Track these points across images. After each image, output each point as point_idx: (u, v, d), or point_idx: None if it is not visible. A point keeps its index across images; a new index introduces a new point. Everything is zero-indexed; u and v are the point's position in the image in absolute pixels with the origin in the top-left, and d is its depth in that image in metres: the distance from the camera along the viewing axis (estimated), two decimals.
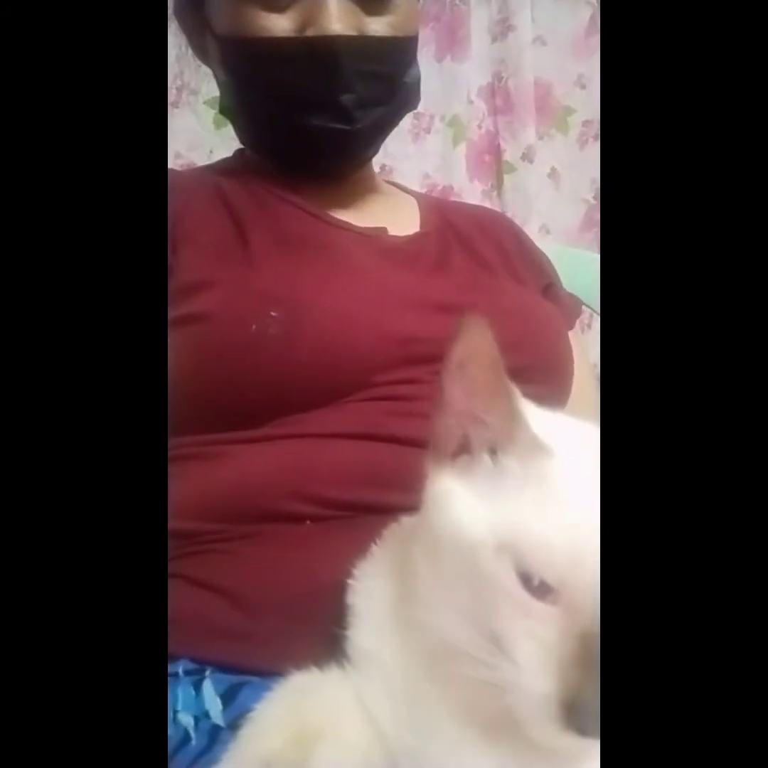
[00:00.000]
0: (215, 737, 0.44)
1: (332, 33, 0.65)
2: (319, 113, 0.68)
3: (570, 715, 0.31)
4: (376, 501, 0.55)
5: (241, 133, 0.78)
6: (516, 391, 0.36)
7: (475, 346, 0.35)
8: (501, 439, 0.35)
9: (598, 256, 1.39)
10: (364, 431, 0.58)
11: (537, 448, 0.34)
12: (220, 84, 0.75)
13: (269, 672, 0.44)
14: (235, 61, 0.71)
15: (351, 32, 0.66)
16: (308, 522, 0.54)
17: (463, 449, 0.37)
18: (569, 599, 0.32)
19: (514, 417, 0.35)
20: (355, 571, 0.44)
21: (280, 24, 0.66)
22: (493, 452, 0.35)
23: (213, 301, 0.60)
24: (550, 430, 0.36)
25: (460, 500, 0.35)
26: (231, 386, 0.59)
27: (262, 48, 0.67)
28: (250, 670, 0.48)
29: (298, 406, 0.59)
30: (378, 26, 0.68)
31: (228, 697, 0.47)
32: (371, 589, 0.42)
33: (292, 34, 0.66)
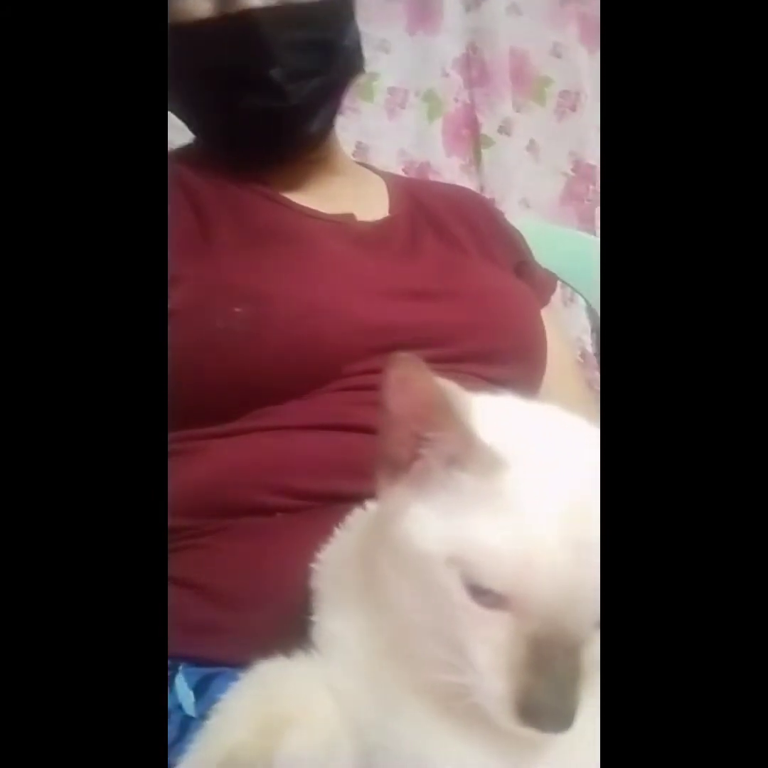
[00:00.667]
0: (186, 727, 0.45)
1: (249, 6, 0.63)
2: (249, 92, 0.66)
3: (525, 716, 0.32)
4: (346, 490, 0.55)
5: (186, 122, 0.76)
6: (466, 411, 0.35)
7: (408, 380, 0.36)
8: (455, 455, 0.35)
9: (579, 232, 1.39)
10: (334, 422, 0.58)
11: (492, 462, 0.34)
12: None
13: (243, 662, 0.45)
14: None
15: (271, 3, 0.64)
16: (279, 514, 0.55)
17: (416, 462, 0.37)
18: (519, 606, 0.32)
19: (465, 436, 0.34)
20: (320, 556, 0.45)
21: (200, 6, 0.65)
22: (448, 465, 0.35)
23: (178, 298, 0.60)
24: (513, 429, 0.37)
25: (412, 514, 0.35)
26: (200, 383, 0.59)
27: (183, 33, 0.65)
28: (223, 662, 0.48)
29: (269, 400, 0.59)
30: None
31: (200, 688, 0.48)
32: (336, 574, 0.43)
33: (211, 14, 0.65)
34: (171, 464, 0.58)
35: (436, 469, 0.35)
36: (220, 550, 0.54)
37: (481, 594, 0.33)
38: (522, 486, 0.34)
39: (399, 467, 0.37)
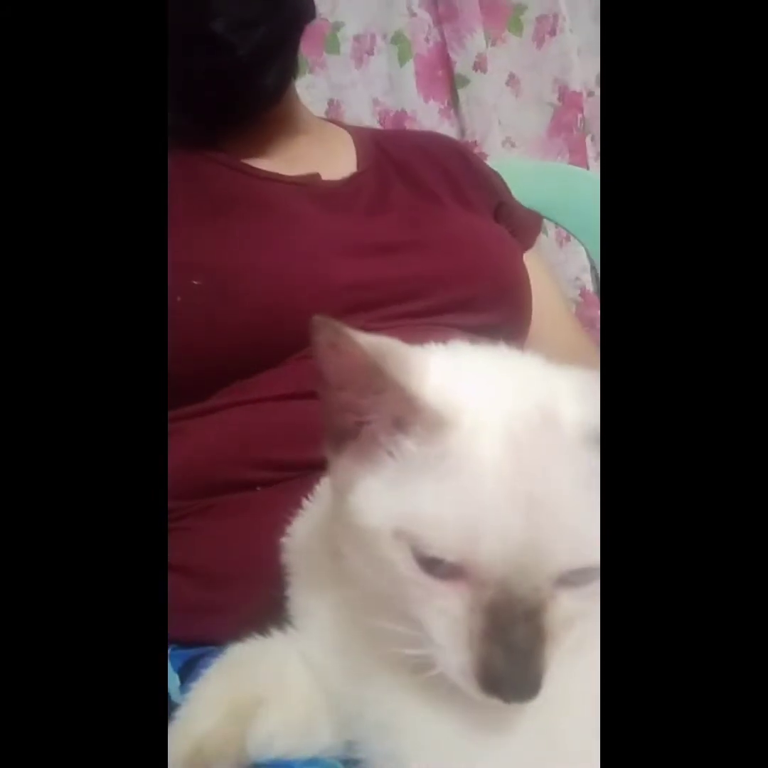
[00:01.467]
0: (172, 713, 0.45)
1: None
2: (194, 50, 0.63)
3: (487, 686, 0.31)
4: (323, 457, 0.54)
5: None
6: (404, 370, 0.33)
7: (335, 345, 0.33)
8: (398, 418, 0.33)
9: (568, 166, 1.33)
10: (306, 390, 0.57)
11: (436, 422, 0.32)
12: None
13: (230, 641, 0.45)
14: None
15: None
16: (258, 488, 0.54)
17: (361, 430, 0.34)
18: (472, 574, 0.31)
19: (404, 397, 0.32)
20: (289, 529, 0.44)
21: None
22: (393, 431, 0.33)
23: None
24: (464, 383, 0.34)
25: (359, 487, 0.34)
26: (171, 361, 0.58)
27: None
28: (211, 641, 0.48)
29: (242, 372, 0.58)
30: None
31: (185, 671, 0.48)
32: (304, 547, 0.42)
33: None
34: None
35: (382, 436, 0.34)
36: (202, 530, 0.54)
37: (433, 565, 0.31)
38: (467, 446, 0.32)
39: (344, 437, 0.36)
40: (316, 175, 0.70)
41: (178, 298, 0.57)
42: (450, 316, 0.63)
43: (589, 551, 0.30)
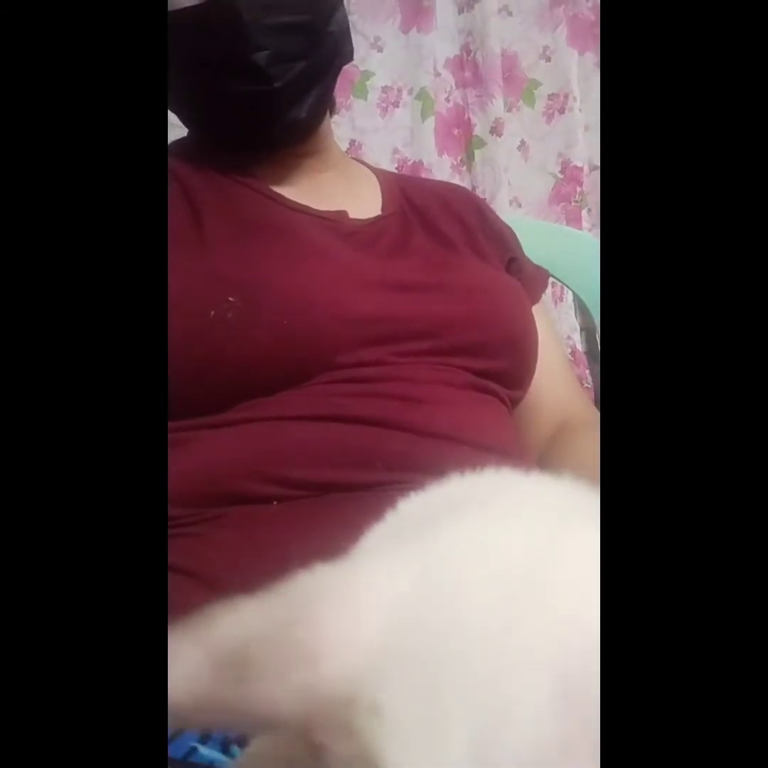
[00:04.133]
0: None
1: None
2: (234, 78, 0.66)
3: None
4: (340, 480, 0.56)
5: (177, 113, 0.76)
6: None
7: None
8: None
9: (566, 228, 1.41)
10: (327, 413, 0.59)
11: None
12: None
13: None
14: None
15: None
16: (275, 503, 0.55)
17: None
18: None
19: None
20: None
21: None
22: None
23: (170, 287, 0.61)
24: None
25: None
26: (193, 373, 0.59)
27: (170, 23, 0.65)
28: None
29: (261, 390, 0.59)
30: None
31: None
32: None
33: (196, 2, 0.64)
34: None
35: None
36: (215, 538, 0.55)
37: None
38: None
39: None
40: (344, 213, 0.73)
41: (212, 313, 0.58)
42: (461, 358, 0.65)
43: None
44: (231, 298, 0.59)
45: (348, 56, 0.76)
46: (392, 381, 0.61)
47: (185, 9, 0.65)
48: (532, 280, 0.84)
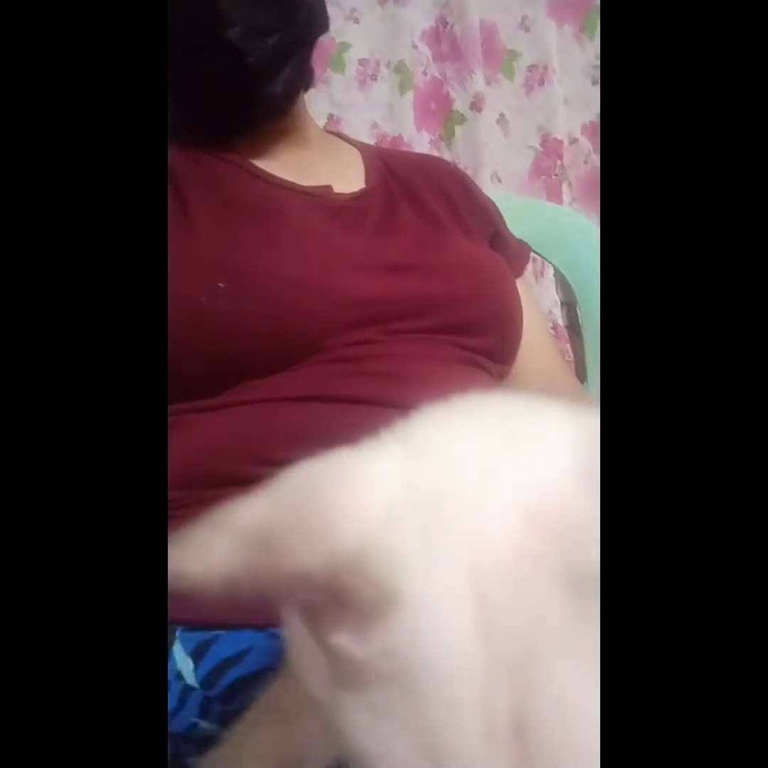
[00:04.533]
0: (186, 697, 0.46)
1: None
2: (207, 56, 0.65)
3: None
4: None
5: None
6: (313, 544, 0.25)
7: None
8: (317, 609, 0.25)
9: (546, 203, 1.41)
10: (317, 393, 0.60)
11: (370, 607, 0.23)
12: None
13: (236, 625, 0.47)
14: None
15: None
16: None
17: None
18: None
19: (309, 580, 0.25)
20: None
21: None
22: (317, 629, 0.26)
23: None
24: None
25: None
26: (184, 358, 0.59)
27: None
28: (218, 625, 0.49)
29: (253, 374, 0.60)
30: None
31: (198, 654, 0.48)
32: None
33: None
34: None
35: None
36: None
37: None
38: (414, 633, 0.23)
39: None
40: (329, 188, 0.72)
41: (203, 299, 0.58)
42: (450, 336, 0.66)
43: None
44: (221, 285, 0.59)
45: (323, 27, 0.74)
46: (381, 359, 0.62)
47: None
48: (515, 255, 0.84)
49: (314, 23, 0.72)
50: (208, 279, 0.59)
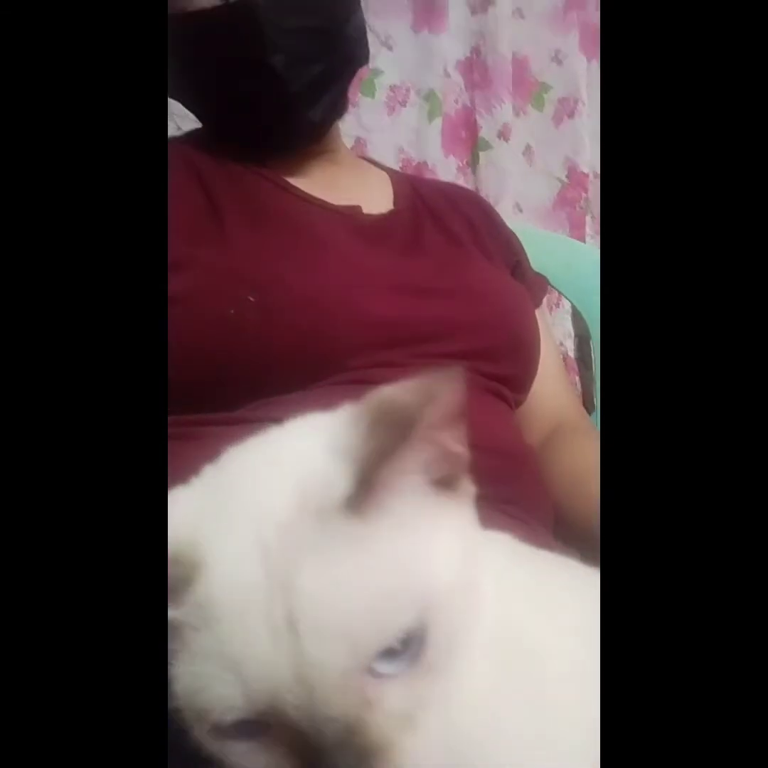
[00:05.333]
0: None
1: None
2: (250, 79, 0.67)
3: None
4: None
5: (191, 109, 0.77)
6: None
7: None
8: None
9: (566, 237, 1.41)
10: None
11: (184, 578, 0.30)
12: None
13: None
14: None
15: None
16: None
17: None
18: (265, 725, 0.30)
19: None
20: None
21: None
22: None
23: (190, 283, 0.60)
24: None
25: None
26: (208, 368, 0.59)
27: (188, 22, 0.66)
28: None
29: (274, 389, 0.59)
30: None
31: None
32: None
33: (217, 3, 0.65)
34: (173, 447, 0.59)
35: None
36: None
37: (229, 732, 0.30)
38: (217, 584, 0.30)
39: None
40: (358, 208, 0.73)
41: (232, 311, 0.59)
42: (472, 362, 0.65)
43: (373, 636, 0.28)
44: (251, 298, 0.59)
45: (363, 60, 0.76)
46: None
47: (204, 10, 0.65)
48: (533, 286, 0.85)
49: (355, 56, 0.74)
50: (238, 290, 0.59)
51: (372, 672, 0.29)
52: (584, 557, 0.42)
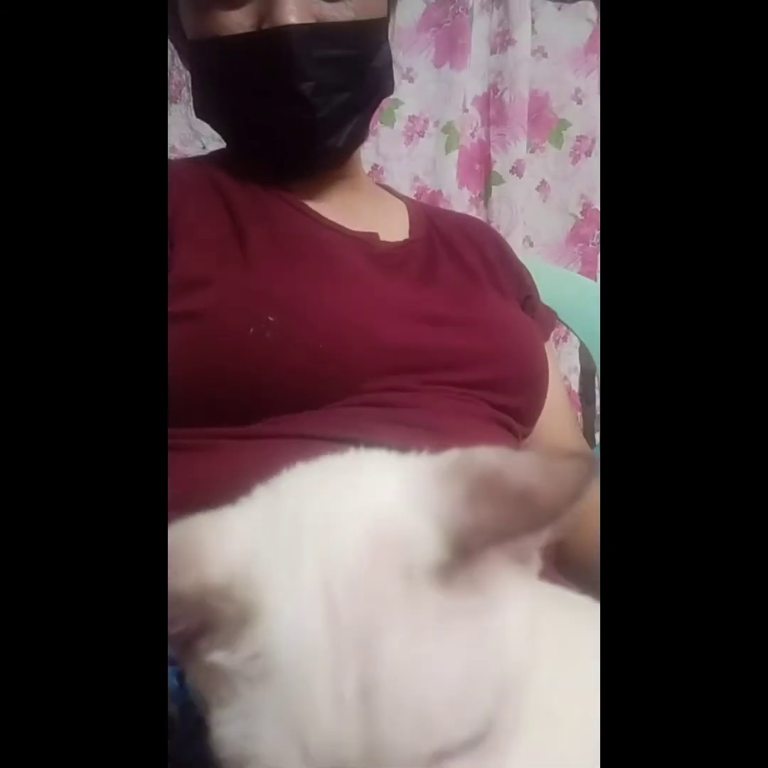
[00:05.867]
0: (201, 727, 0.45)
1: (286, 23, 0.65)
2: (278, 104, 0.68)
3: None
4: None
5: (217, 129, 0.78)
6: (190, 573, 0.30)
7: None
8: (198, 631, 0.30)
9: (576, 274, 1.42)
10: (349, 435, 0.59)
11: (239, 619, 0.28)
12: (193, 86, 0.76)
13: None
14: (200, 61, 0.72)
15: (308, 21, 0.66)
16: None
17: None
18: None
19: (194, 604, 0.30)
20: None
21: (238, 20, 0.67)
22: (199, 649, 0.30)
23: (211, 300, 0.61)
24: None
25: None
26: (224, 384, 0.59)
27: (222, 46, 0.68)
28: None
29: (288, 407, 0.60)
30: (337, 12, 0.68)
31: None
32: None
33: (250, 30, 0.67)
34: (186, 459, 0.57)
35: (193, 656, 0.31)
36: None
37: None
38: (277, 634, 0.28)
39: None
40: (375, 235, 0.74)
41: (251, 329, 0.59)
42: (483, 391, 0.66)
43: (453, 724, 0.26)
44: (271, 318, 0.59)
45: (388, 91, 0.78)
46: (415, 408, 0.62)
47: (238, 36, 0.67)
48: (542, 320, 0.85)
49: (381, 87, 0.76)
50: (259, 310, 0.60)
51: (444, 757, 0.26)
52: (583, 591, 0.42)
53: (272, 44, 0.66)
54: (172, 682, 0.47)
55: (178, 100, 1.19)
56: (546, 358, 0.77)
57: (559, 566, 0.63)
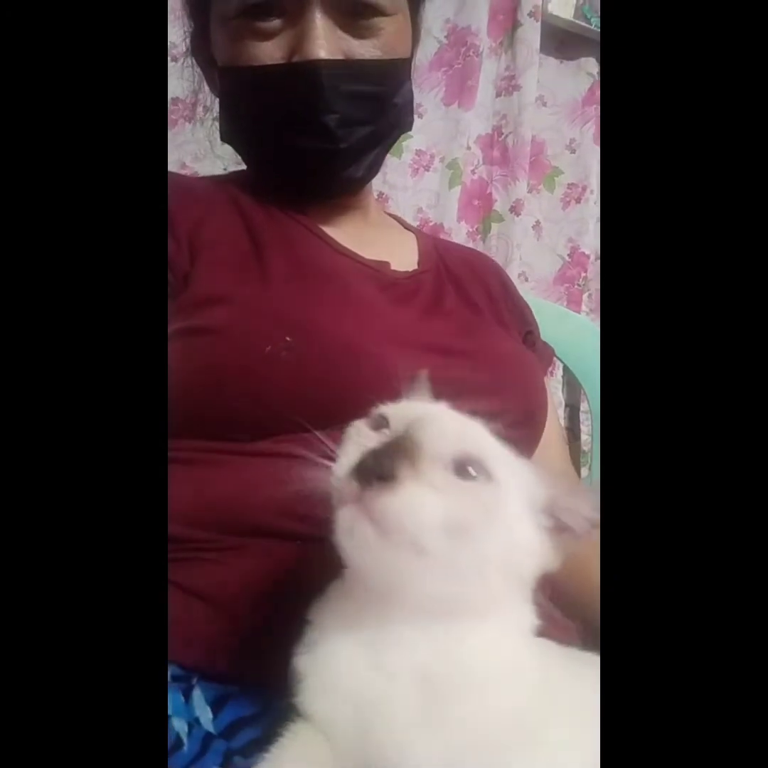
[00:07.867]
0: (208, 744, 0.45)
1: (316, 57, 0.68)
2: (304, 134, 0.71)
3: None
4: None
5: (242, 155, 0.81)
6: None
7: None
8: None
9: (569, 310, 1.48)
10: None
11: None
12: (221, 110, 0.79)
13: (250, 684, 0.47)
14: (230, 88, 0.74)
15: (337, 56, 0.69)
16: (299, 542, 0.56)
17: None
18: None
19: None
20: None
21: (269, 52, 0.70)
22: None
23: (229, 317, 0.62)
24: None
25: None
26: (237, 400, 0.60)
27: (252, 75, 0.70)
28: (231, 680, 0.49)
29: (298, 427, 0.59)
30: (364, 50, 0.71)
31: (217, 706, 0.48)
32: None
33: (280, 61, 0.70)
34: (195, 473, 0.59)
35: None
36: (235, 567, 0.55)
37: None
38: None
39: None
40: (387, 264, 0.77)
41: (268, 348, 0.60)
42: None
43: None
44: (288, 338, 0.61)
45: (407, 126, 0.81)
46: None
47: (270, 66, 0.70)
48: (543, 355, 0.89)
49: (401, 122, 0.79)
50: (277, 330, 0.61)
51: None
52: (583, 633, 0.44)
53: (302, 77, 0.68)
54: (177, 697, 0.48)
55: (192, 121, 1.22)
56: (546, 392, 0.80)
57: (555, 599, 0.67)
